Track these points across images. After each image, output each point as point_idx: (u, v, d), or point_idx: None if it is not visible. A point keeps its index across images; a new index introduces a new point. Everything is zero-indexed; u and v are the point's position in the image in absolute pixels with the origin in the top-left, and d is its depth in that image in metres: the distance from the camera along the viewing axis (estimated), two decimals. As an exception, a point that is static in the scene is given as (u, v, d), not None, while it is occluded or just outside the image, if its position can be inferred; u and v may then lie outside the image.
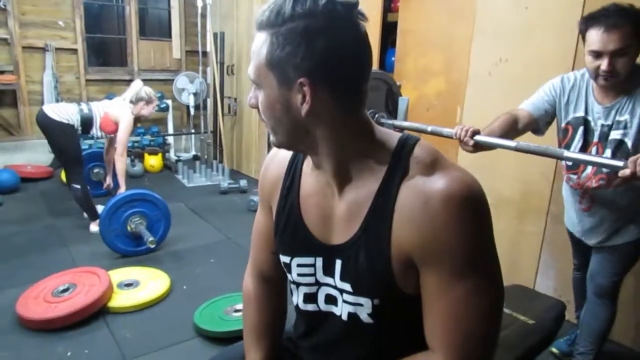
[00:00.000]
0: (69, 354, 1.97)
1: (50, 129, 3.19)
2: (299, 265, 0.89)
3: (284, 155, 0.94)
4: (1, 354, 1.96)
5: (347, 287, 0.82)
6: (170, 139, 5.62)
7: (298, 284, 0.91)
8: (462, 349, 0.74)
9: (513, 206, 2.46)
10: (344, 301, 0.84)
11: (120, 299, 2.35)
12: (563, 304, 1.67)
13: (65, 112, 3.21)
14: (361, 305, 0.81)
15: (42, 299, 2.21)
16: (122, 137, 3.29)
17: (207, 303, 2.34)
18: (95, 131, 3.33)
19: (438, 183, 0.72)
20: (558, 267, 2.36)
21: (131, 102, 3.38)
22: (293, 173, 0.91)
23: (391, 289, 0.78)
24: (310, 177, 0.87)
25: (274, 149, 0.97)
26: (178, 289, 2.57)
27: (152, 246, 2.86)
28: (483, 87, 2.55)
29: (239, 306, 2.29)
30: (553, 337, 1.71)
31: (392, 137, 0.81)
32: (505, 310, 1.56)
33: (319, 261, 0.86)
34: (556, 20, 2.19)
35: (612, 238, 1.70)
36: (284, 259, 0.91)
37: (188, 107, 5.36)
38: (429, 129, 1.86)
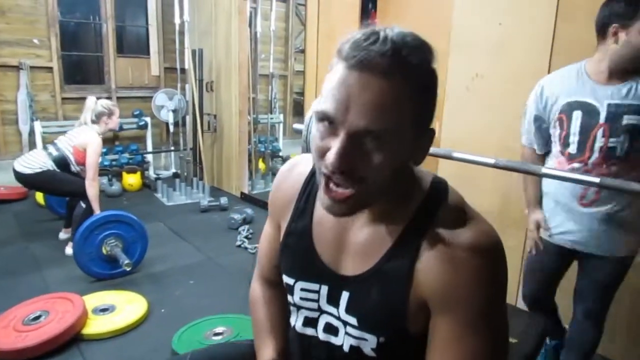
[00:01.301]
0: (40, 385, 1.90)
1: (32, 182, 3.13)
2: (302, 290, 0.87)
3: (299, 173, 0.91)
4: (-33, 389, 1.87)
5: (352, 320, 0.80)
6: (150, 157, 5.55)
7: (299, 307, 0.89)
8: None
9: (492, 219, 2.43)
10: (347, 333, 0.82)
11: (96, 325, 2.27)
12: (543, 321, 1.66)
13: (36, 162, 3.11)
14: (365, 340, 0.79)
15: (12, 328, 2.12)
16: (91, 161, 3.15)
17: (187, 327, 2.28)
18: (74, 167, 3.23)
19: (466, 234, 0.72)
20: (540, 281, 2.35)
21: (93, 122, 3.28)
22: (308, 194, 0.88)
23: (400, 328, 0.77)
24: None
25: (288, 164, 0.95)
26: (156, 312, 2.50)
27: (128, 269, 2.78)
28: (461, 102, 2.57)
29: (220, 329, 2.24)
30: (536, 355, 1.71)
31: (426, 178, 0.80)
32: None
33: (324, 289, 0.84)
34: (529, 36, 2.23)
35: (616, 245, 1.58)
36: (288, 280, 0.89)
37: (167, 124, 5.30)
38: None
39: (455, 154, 1.65)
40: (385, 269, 0.76)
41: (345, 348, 0.82)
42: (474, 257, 0.70)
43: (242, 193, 4.87)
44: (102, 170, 4.68)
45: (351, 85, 0.64)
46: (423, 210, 0.76)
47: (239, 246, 3.49)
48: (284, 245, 0.91)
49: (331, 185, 0.70)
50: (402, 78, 0.64)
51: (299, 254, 0.88)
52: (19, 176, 3.11)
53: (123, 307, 2.44)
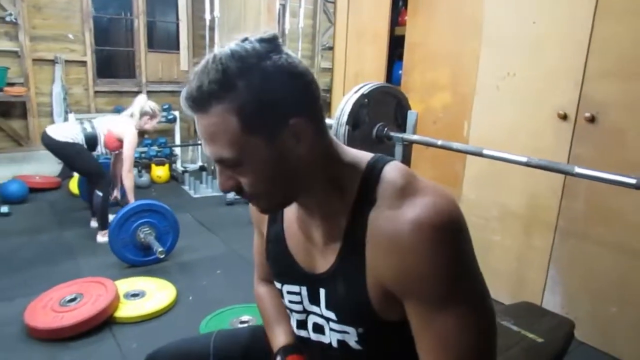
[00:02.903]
0: (75, 364, 1.97)
1: (57, 150, 3.24)
2: (288, 293, 0.89)
3: None
4: (9, 364, 1.96)
5: (332, 315, 0.82)
6: (177, 150, 5.66)
7: (291, 310, 0.91)
8: None
9: (520, 220, 2.45)
10: (331, 329, 0.83)
11: (127, 310, 2.35)
12: (572, 322, 1.65)
13: (69, 133, 3.22)
14: (347, 333, 0.80)
15: (50, 309, 2.21)
16: (128, 153, 3.30)
17: (213, 314, 2.34)
18: (100, 149, 3.36)
19: (407, 213, 0.68)
20: (565, 284, 2.33)
21: (134, 116, 3.40)
22: None
23: (372, 318, 0.76)
24: (293, 205, 0.84)
25: None
26: (184, 300, 2.56)
27: (162, 256, 2.86)
28: (491, 101, 2.56)
29: (245, 317, 2.29)
30: (562, 356, 1.70)
31: (362, 161, 0.77)
32: (513, 327, 1.55)
33: (304, 290, 0.86)
34: (564, 35, 2.20)
35: None
36: (276, 284, 0.92)
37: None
38: (439, 142, 1.87)
39: (486, 152, 1.66)
40: (342, 264, 0.77)
41: (334, 344, 0.83)
42: (418, 235, 0.66)
43: (267, 188, 4.92)
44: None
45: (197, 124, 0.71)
46: (361, 195, 0.74)
47: (264, 239, 3.54)
48: (267, 252, 0.94)
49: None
50: (206, 106, 0.67)
51: (278, 259, 0.90)
52: (49, 140, 3.19)
53: (153, 293, 2.51)
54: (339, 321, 0.80)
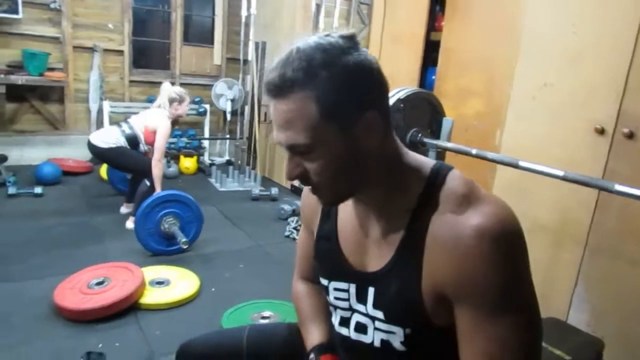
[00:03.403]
0: (100, 345, 2.02)
1: (104, 156, 3.38)
2: (335, 289, 0.91)
3: None
4: (38, 342, 2.02)
5: (379, 314, 0.82)
6: (206, 143, 5.73)
7: (335, 307, 0.93)
8: None
9: (549, 234, 2.41)
10: (376, 328, 0.84)
11: (152, 296, 2.40)
12: (601, 341, 1.62)
13: (111, 138, 3.32)
14: (393, 333, 0.81)
15: (78, 290, 2.27)
16: (160, 144, 3.38)
17: (235, 307, 2.36)
18: (143, 146, 3.46)
19: (470, 220, 0.70)
20: (593, 302, 2.28)
21: (164, 105, 3.47)
22: None
23: (422, 320, 0.77)
24: (349, 203, 0.87)
25: None
26: (207, 290, 2.60)
27: (185, 247, 2.90)
28: (526, 111, 2.52)
29: (266, 313, 2.31)
30: (589, 372, 1.66)
31: (426, 165, 0.80)
32: (541, 341, 1.52)
33: (353, 287, 0.87)
34: (606, 46, 2.15)
35: None
36: (323, 281, 0.95)
37: (225, 112, 5.46)
38: (474, 151, 1.85)
39: (522, 163, 1.63)
40: (398, 263, 0.79)
41: (377, 343, 0.84)
42: (480, 243, 0.68)
43: (292, 185, 4.95)
44: (162, 152, 4.88)
45: (271, 113, 0.75)
46: (424, 198, 0.77)
47: (288, 236, 3.56)
48: (316, 249, 0.97)
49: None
50: (288, 93, 0.70)
51: (328, 256, 0.92)
52: (94, 149, 3.32)
53: (177, 282, 2.56)
54: (387, 320, 0.81)
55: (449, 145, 2.00)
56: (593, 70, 2.21)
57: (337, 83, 0.70)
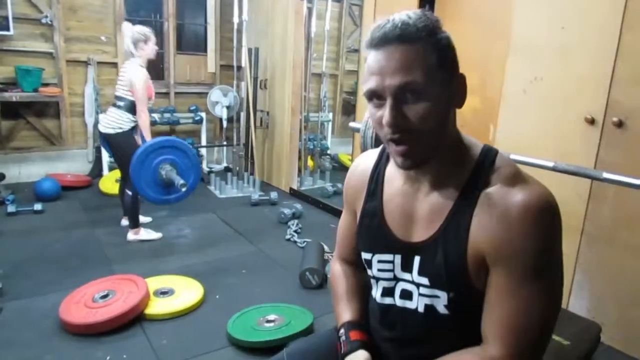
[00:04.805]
0: (108, 358, 2.04)
1: (112, 142, 3.32)
2: (379, 262, 0.97)
3: (365, 165, 1.06)
4: (46, 357, 2.04)
5: (424, 281, 0.90)
6: (204, 151, 5.76)
7: (378, 279, 0.99)
8: (516, 347, 0.80)
9: (547, 225, 2.44)
10: (420, 294, 0.91)
11: (157, 307, 2.42)
12: (599, 326, 1.65)
13: (114, 121, 3.26)
14: (438, 297, 0.89)
15: (84, 305, 2.29)
16: (140, 94, 3.23)
17: (240, 313, 2.39)
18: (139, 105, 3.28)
19: (518, 195, 0.80)
20: (592, 288, 2.32)
21: (132, 53, 3.29)
22: (376, 179, 1.02)
23: (465, 283, 0.85)
24: (395, 181, 0.97)
25: (355, 161, 1.09)
26: (211, 298, 2.63)
27: (184, 189, 2.87)
28: (517, 105, 2.55)
29: (272, 317, 2.33)
30: (588, 359, 1.69)
31: (477, 145, 0.90)
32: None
33: (398, 258, 0.94)
34: (593, 42, 2.19)
35: None
36: (365, 255, 1.00)
37: (221, 119, 5.48)
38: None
39: (513, 156, 1.66)
40: (446, 231, 0.86)
41: (420, 309, 0.92)
42: (525, 216, 0.78)
43: (291, 189, 4.98)
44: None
45: (381, 60, 0.80)
46: (475, 174, 0.86)
47: (289, 240, 3.59)
48: (360, 226, 1.03)
49: (395, 145, 0.84)
50: (415, 40, 0.78)
51: (373, 231, 0.99)
52: (103, 137, 3.31)
53: (181, 291, 2.58)
54: (431, 286, 0.89)
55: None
56: (581, 63, 2.25)
57: (447, 42, 0.82)
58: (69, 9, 4.87)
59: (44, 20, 4.70)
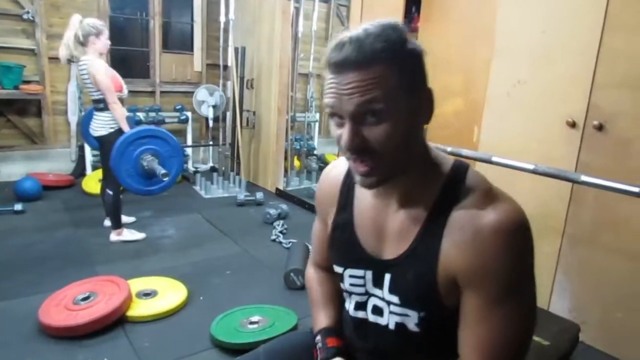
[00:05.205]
0: (88, 361, 2.02)
1: (102, 143, 3.23)
2: (350, 276, 0.96)
3: (336, 174, 1.03)
4: (25, 360, 2.01)
5: (395, 299, 0.89)
6: (189, 151, 5.71)
7: (350, 293, 0.98)
8: None
9: (529, 226, 2.46)
10: (391, 312, 0.90)
11: (139, 308, 2.40)
12: (577, 326, 1.67)
13: (98, 124, 3.17)
14: (408, 316, 0.88)
15: (64, 307, 2.26)
16: (104, 86, 3.04)
17: (224, 314, 2.37)
18: (112, 99, 3.13)
19: (488, 216, 0.78)
20: (573, 289, 2.35)
21: (81, 44, 3.08)
22: (347, 191, 0.99)
23: (436, 303, 0.84)
24: (366, 193, 0.93)
25: (327, 168, 1.07)
26: (195, 299, 2.61)
27: (166, 179, 2.82)
28: (501, 108, 2.58)
29: (255, 318, 2.32)
30: (567, 359, 1.72)
31: (447, 161, 0.88)
32: (521, 331, 1.57)
33: (369, 274, 0.93)
34: (574, 45, 2.22)
35: None
36: (337, 269, 0.99)
37: (207, 119, 5.45)
38: (449, 149, 1.90)
39: (495, 159, 1.68)
40: (417, 250, 0.85)
41: (391, 326, 0.91)
42: (497, 236, 0.76)
43: (277, 189, 4.97)
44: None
45: (338, 84, 0.77)
46: (445, 192, 0.83)
47: (274, 240, 3.58)
48: (331, 239, 1.01)
49: (356, 163, 0.81)
50: (373, 63, 0.75)
51: (344, 245, 0.97)
52: (96, 140, 3.23)
53: (165, 292, 2.55)
54: (402, 304, 0.88)
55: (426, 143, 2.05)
56: (562, 67, 2.28)
57: (411, 58, 0.78)
58: (52, 5, 4.80)
59: (25, 16, 4.63)
